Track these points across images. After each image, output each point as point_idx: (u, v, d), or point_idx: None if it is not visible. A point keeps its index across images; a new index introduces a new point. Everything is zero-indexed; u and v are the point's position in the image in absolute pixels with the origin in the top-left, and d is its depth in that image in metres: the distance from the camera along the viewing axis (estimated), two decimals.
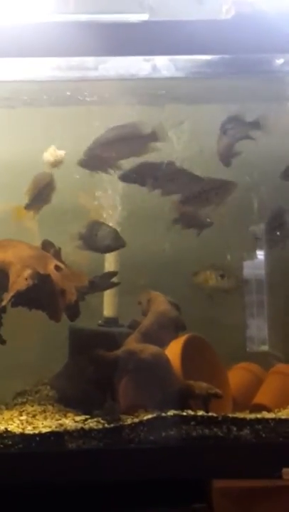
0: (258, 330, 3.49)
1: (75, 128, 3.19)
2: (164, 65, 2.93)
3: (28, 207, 3.15)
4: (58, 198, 3.18)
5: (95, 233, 3.08)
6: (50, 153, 3.11)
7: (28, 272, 2.84)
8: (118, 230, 3.13)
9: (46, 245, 3.07)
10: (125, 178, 3.12)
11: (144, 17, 2.91)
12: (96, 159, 3.08)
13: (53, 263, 2.94)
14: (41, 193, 3.15)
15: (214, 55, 2.89)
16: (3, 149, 3.30)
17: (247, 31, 2.81)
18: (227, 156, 3.15)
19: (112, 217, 3.25)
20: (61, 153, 3.11)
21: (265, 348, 3.48)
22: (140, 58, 2.90)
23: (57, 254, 3.04)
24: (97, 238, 3.07)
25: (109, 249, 3.14)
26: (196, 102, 3.34)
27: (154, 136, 3.05)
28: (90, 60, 2.92)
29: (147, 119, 3.13)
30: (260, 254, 3.53)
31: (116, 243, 3.07)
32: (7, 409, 3.07)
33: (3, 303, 2.84)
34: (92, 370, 2.90)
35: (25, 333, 3.26)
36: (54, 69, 2.94)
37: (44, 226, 3.26)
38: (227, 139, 3.13)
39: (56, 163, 3.11)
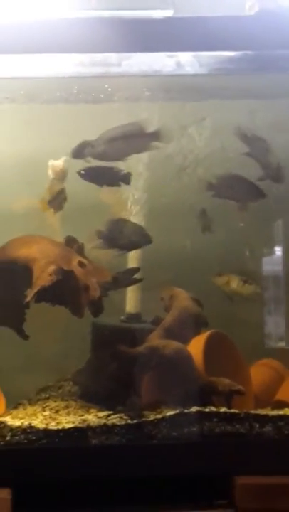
0: (277, 327, 3.48)
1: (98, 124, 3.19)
2: (187, 61, 2.92)
3: (50, 203, 3.15)
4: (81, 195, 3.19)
5: (119, 231, 3.07)
6: (56, 166, 3.10)
7: (52, 268, 2.85)
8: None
9: (70, 241, 3.08)
10: (83, 175, 3.10)
11: (167, 13, 2.90)
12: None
13: (76, 259, 2.95)
14: (61, 193, 3.15)
15: (238, 52, 2.88)
16: (26, 145, 3.31)
17: (270, 27, 2.80)
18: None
19: (133, 214, 3.25)
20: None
21: (282, 344, 3.47)
22: (163, 54, 2.90)
23: (80, 250, 3.04)
24: (122, 236, 3.06)
25: (136, 247, 3.12)
26: (218, 97, 3.33)
27: (156, 136, 3.05)
28: (113, 57, 2.91)
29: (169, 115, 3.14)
30: (279, 250, 3.53)
31: (143, 240, 3.06)
32: (30, 404, 3.07)
33: (28, 299, 2.84)
34: (114, 365, 2.91)
35: (49, 328, 3.27)
36: (77, 65, 2.94)
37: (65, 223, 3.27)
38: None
39: (61, 176, 3.11)
